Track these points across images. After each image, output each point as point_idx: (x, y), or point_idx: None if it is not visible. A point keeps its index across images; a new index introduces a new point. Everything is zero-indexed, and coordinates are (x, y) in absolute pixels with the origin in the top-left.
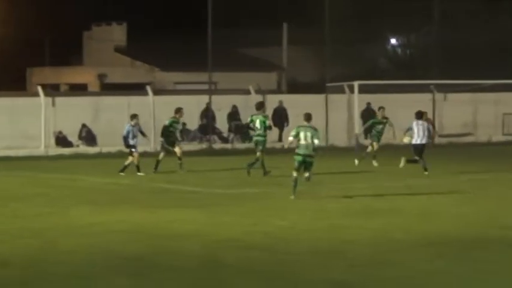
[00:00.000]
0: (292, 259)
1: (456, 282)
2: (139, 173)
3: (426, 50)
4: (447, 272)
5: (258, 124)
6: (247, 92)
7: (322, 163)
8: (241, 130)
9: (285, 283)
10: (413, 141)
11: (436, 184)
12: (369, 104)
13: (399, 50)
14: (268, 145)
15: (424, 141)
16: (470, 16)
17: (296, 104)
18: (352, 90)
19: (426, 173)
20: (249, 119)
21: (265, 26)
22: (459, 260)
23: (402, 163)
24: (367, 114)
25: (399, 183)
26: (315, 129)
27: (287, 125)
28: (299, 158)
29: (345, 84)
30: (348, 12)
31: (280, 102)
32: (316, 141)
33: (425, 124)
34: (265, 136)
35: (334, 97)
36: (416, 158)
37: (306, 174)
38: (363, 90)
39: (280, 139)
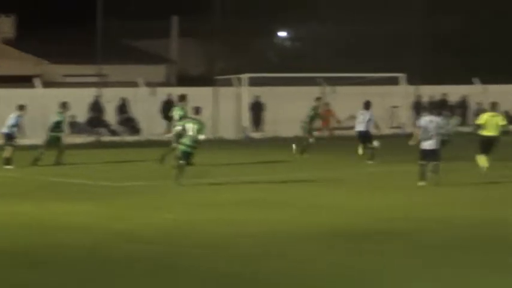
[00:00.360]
0: (179, 251)
1: (346, 274)
2: (7, 167)
3: (314, 43)
4: (337, 263)
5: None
6: (136, 85)
7: (211, 155)
8: (130, 123)
9: (171, 275)
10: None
11: (325, 177)
12: (257, 96)
13: (288, 43)
14: (155, 138)
15: (363, 128)
16: (358, 9)
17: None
18: (241, 83)
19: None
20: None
21: (155, 17)
22: (348, 251)
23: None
24: (257, 106)
25: (289, 175)
26: (201, 123)
27: None
28: (183, 147)
29: (234, 77)
30: (237, 5)
31: (169, 95)
32: (200, 136)
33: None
34: None
35: (223, 90)
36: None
37: (181, 161)
38: (252, 83)
39: (168, 132)
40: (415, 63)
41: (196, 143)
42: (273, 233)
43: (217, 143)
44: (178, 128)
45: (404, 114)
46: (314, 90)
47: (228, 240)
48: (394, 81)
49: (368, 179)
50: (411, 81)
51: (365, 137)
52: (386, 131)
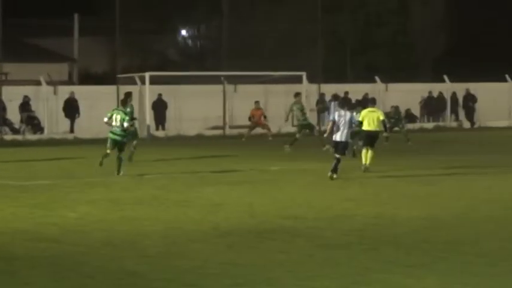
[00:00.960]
0: (83, 251)
1: (247, 273)
2: None
3: (216, 42)
4: (238, 262)
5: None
6: (39, 83)
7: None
8: (33, 121)
9: (75, 274)
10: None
11: (227, 175)
12: (160, 95)
13: (190, 42)
14: (59, 136)
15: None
16: (259, 8)
17: (87, 95)
18: (143, 82)
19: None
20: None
21: (57, 16)
22: (250, 250)
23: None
24: (160, 105)
25: (191, 173)
26: (125, 113)
27: (78, 116)
28: (112, 136)
29: (136, 75)
30: (139, 3)
31: (72, 93)
32: (125, 124)
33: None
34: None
35: (126, 88)
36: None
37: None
38: (154, 81)
39: (72, 130)
40: (318, 61)
41: (124, 132)
42: (174, 232)
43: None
44: (105, 119)
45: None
46: (216, 89)
47: (132, 238)
48: (296, 80)
49: (272, 177)
50: (313, 79)
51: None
52: (288, 129)
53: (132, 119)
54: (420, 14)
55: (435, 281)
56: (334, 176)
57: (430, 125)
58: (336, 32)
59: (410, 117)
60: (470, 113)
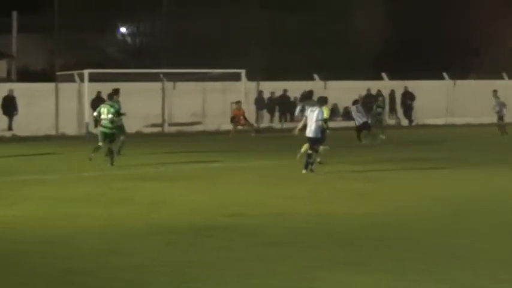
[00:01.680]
0: (21, 248)
1: (186, 270)
2: None
3: (155, 39)
4: (177, 260)
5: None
6: None
7: (54, 151)
8: None
9: (13, 272)
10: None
11: (165, 173)
12: (99, 92)
13: (129, 39)
14: None
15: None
16: (198, 6)
17: (26, 92)
18: (82, 79)
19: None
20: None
21: None
22: (189, 248)
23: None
24: (99, 102)
25: (130, 171)
26: (112, 106)
27: (16, 113)
28: (102, 129)
29: (75, 72)
30: (78, 1)
31: (10, 90)
32: (109, 116)
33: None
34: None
35: (64, 85)
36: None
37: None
38: (94, 79)
39: (10, 128)
40: (256, 59)
41: (112, 124)
42: (113, 229)
43: (60, 139)
44: (95, 114)
45: (246, 110)
46: (155, 86)
47: (71, 236)
48: (235, 78)
49: (213, 174)
50: (252, 77)
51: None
52: (227, 126)
53: (119, 114)
54: (360, 12)
55: (372, 277)
56: (304, 171)
57: None
58: (275, 30)
59: (348, 115)
60: (408, 111)
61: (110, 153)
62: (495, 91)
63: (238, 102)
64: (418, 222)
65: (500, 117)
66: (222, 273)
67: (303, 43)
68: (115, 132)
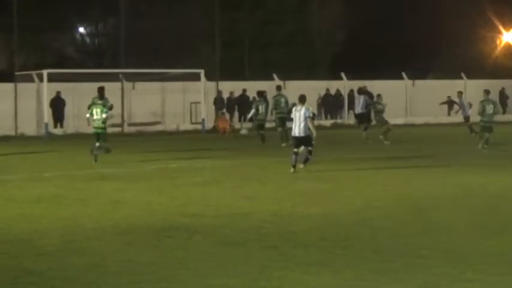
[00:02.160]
0: None
1: (146, 270)
2: None
3: (114, 39)
4: (137, 260)
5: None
6: None
7: (12, 151)
8: None
9: None
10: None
11: (125, 173)
12: (58, 92)
13: (87, 39)
14: None
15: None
16: (157, 5)
17: None
18: (41, 79)
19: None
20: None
21: None
22: (149, 248)
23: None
24: (58, 102)
25: (90, 171)
26: (103, 105)
27: None
28: (96, 130)
29: (34, 73)
30: (36, 0)
31: None
32: (103, 115)
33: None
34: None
35: (23, 86)
36: None
37: (97, 144)
38: (53, 79)
39: None
40: (215, 59)
41: (104, 123)
42: (75, 230)
43: (18, 139)
44: (87, 115)
45: (204, 110)
46: (115, 86)
47: (29, 236)
48: (194, 77)
49: (171, 175)
50: (211, 77)
51: None
52: (187, 126)
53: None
54: (318, 12)
55: (333, 277)
56: (292, 170)
57: (327, 123)
58: (233, 30)
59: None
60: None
61: (99, 149)
62: (460, 92)
63: (223, 113)
64: (381, 221)
65: (466, 118)
66: (181, 274)
67: (262, 43)
68: (105, 132)
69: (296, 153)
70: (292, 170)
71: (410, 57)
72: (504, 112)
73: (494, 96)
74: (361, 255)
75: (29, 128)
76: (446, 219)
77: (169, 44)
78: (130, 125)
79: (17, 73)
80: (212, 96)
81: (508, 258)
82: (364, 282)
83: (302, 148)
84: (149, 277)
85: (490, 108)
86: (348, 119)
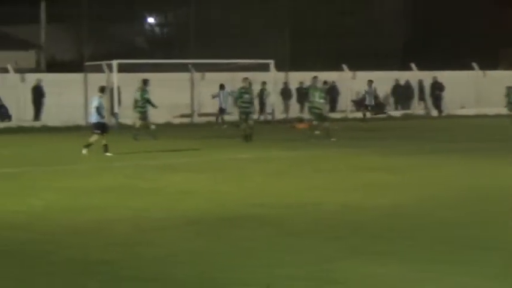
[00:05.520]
0: (50, 239)
1: (215, 260)
2: None
3: (183, 29)
4: (207, 250)
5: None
6: (6, 71)
7: (81, 141)
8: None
9: (42, 263)
10: None
11: (195, 163)
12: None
13: (157, 29)
14: (26, 124)
15: None
16: None
17: (55, 82)
18: (111, 69)
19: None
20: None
21: (23, 2)
22: (218, 238)
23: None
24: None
25: (160, 161)
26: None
27: (44, 104)
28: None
29: (104, 63)
30: None
31: (39, 80)
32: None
33: None
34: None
35: (93, 76)
36: None
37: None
38: (121, 69)
39: (39, 118)
40: (285, 49)
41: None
42: (142, 220)
43: (88, 129)
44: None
45: (274, 100)
46: (183, 76)
47: (99, 226)
48: (264, 68)
49: (241, 165)
50: (280, 67)
51: None
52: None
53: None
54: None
55: (400, 268)
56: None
57: (398, 113)
58: (302, 20)
59: (378, 105)
60: (437, 101)
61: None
62: None
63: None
64: (449, 212)
65: None
66: (249, 264)
67: (331, 33)
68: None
69: None
70: None
71: (480, 47)
72: None
73: None
74: (429, 246)
75: None
76: None
77: (238, 34)
78: (200, 115)
79: (86, 63)
80: (279, 87)
81: None
82: (432, 273)
83: None
84: (217, 267)
85: None
86: (418, 109)
